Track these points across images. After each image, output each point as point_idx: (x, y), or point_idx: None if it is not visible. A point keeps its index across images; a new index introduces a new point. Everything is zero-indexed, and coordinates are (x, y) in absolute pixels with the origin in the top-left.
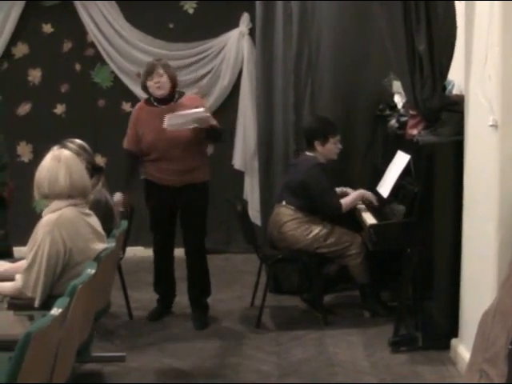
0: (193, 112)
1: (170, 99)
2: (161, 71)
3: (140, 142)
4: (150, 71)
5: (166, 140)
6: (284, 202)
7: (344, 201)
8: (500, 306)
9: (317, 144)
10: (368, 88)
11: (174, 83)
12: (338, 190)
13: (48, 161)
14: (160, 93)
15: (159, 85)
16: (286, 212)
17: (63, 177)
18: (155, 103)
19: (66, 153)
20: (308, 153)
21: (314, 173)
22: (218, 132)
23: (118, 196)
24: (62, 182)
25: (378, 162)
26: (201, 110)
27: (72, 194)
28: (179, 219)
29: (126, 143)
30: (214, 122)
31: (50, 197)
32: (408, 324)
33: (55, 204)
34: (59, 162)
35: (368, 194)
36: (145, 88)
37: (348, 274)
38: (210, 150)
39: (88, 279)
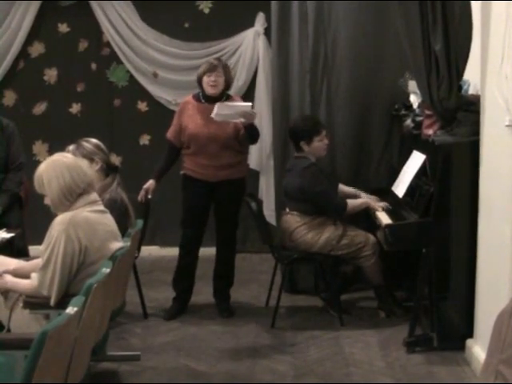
0: (242, 105)
1: (218, 99)
2: (220, 71)
3: (182, 134)
4: (210, 69)
5: (206, 135)
6: (287, 209)
7: (350, 202)
8: None
9: (303, 144)
10: (384, 88)
11: (227, 85)
12: (352, 190)
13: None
14: (213, 91)
15: (215, 84)
16: (292, 219)
17: (56, 183)
18: (203, 100)
19: (49, 161)
20: (297, 154)
21: (308, 175)
22: (257, 132)
23: (149, 182)
24: (56, 187)
25: (393, 162)
26: (249, 104)
27: (73, 193)
28: (213, 212)
29: (169, 134)
30: (255, 122)
31: (63, 208)
32: (423, 324)
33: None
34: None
35: (374, 205)
36: (199, 83)
37: (363, 275)
38: None
39: (103, 278)
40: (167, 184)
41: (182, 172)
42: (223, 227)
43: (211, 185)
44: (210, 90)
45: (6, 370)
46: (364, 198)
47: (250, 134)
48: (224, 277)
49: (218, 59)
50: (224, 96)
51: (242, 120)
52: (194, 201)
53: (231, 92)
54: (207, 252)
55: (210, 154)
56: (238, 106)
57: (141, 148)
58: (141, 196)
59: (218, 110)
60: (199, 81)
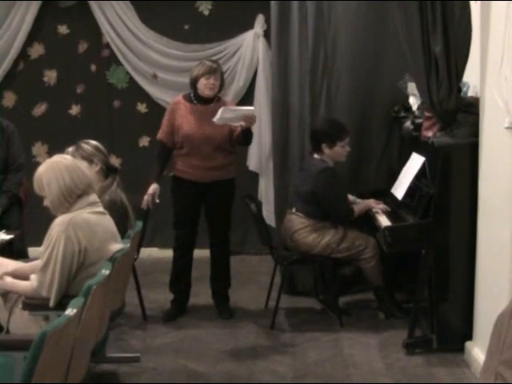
0: (245, 109)
1: (210, 101)
2: (218, 75)
3: (174, 134)
4: (210, 71)
5: (201, 136)
6: (294, 210)
7: (355, 208)
8: None
9: (324, 147)
10: (383, 89)
11: (220, 88)
12: (352, 198)
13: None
14: (209, 94)
15: (212, 87)
16: (296, 220)
17: (55, 184)
18: (195, 101)
19: (49, 162)
20: (316, 155)
21: (322, 179)
22: (252, 135)
23: (154, 187)
24: (56, 189)
25: (393, 164)
26: (252, 108)
27: (72, 194)
28: (205, 214)
29: (160, 134)
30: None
31: (63, 209)
32: (423, 326)
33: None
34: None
35: (375, 206)
36: (194, 83)
37: (363, 276)
38: None
39: (103, 279)
40: (167, 185)
41: (171, 174)
42: (216, 229)
43: (202, 186)
44: (206, 92)
45: (6, 371)
46: (365, 201)
47: (246, 136)
48: (221, 278)
49: (216, 62)
50: (215, 98)
51: (243, 124)
52: (185, 202)
53: (231, 93)
54: (205, 253)
55: (203, 155)
56: (241, 110)
57: (140, 149)
58: (146, 202)
59: (222, 114)
60: (194, 82)
